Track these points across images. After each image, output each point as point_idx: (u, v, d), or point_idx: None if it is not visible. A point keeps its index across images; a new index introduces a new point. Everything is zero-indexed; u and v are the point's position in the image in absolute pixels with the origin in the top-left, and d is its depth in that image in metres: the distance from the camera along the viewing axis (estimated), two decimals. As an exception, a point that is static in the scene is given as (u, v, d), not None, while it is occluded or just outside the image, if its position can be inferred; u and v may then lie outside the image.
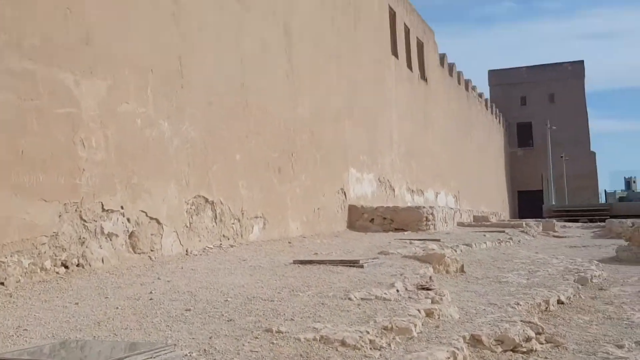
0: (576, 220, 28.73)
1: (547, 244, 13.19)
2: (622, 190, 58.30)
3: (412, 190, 19.20)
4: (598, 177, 44.27)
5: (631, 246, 10.17)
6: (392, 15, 18.39)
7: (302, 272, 6.45)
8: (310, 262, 7.11)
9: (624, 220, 19.85)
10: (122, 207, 6.72)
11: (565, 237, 15.53)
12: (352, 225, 13.47)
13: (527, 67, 46.05)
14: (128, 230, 6.81)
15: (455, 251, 9.76)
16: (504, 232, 14.09)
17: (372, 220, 13.63)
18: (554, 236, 15.59)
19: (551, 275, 7.86)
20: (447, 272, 7.83)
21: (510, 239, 12.25)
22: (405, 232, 12.80)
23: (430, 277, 6.56)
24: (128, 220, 6.81)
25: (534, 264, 8.94)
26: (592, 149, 44.48)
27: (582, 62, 45.22)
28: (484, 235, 12.49)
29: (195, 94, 8.27)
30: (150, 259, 7.07)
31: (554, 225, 19.54)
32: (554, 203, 35.56)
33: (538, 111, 45.00)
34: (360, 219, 13.65)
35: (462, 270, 7.98)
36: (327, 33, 13.23)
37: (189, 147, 8.04)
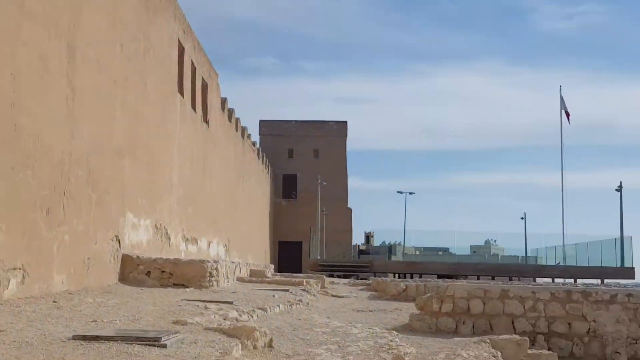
0: (340, 276, 29.49)
1: (333, 306, 12.73)
2: (362, 244, 62.01)
3: (187, 239, 17.87)
4: (353, 232, 46.45)
5: (424, 315, 9.98)
6: (181, 51, 17.22)
7: (89, 356, 4.96)
8: (96, 338, 5.58)
9: (395, 279, 20.52)
10: None
11: (344, 297, 15.31)
12: (125, 278, 11.80)
13: (296, 121, 47.38)
14: None
15: (252, 317, 8.75)
16: (288, 290, 13.40)
17: (148, 273, 12.08)
18: (333, 295, 15.29)
19: (364, 351, 7.17)
20: (255, 347, 6.76)
21: (300, 300, 11.55)
22: (188, 289, 11.48)
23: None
24: None
25: (338, 335, 8.23)
26: (349, 205, 46.73)
27: (345, 122, 47.71)
28: (273, 296, 11.64)
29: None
30: None
31: (324, 281, 19.44)
32: (318, 257, 36.27)
33: (303, 165, 46.29)
34: (135, 271, 12.03)
35: (270, 345, 6.98)
36: (114, 58, 11.67)
37: None
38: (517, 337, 8.80)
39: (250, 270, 17.58)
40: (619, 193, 32.14)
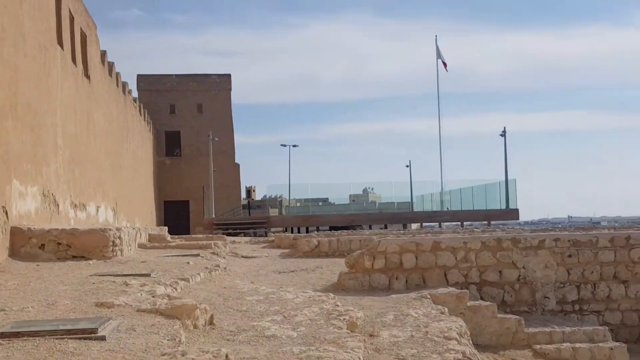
0: (237, 234, 28.77)
1: (250, 268, 12.04)
2: (244, 199, 61.54)
3: (76, 205, 16.42)
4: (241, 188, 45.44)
5: (356, 273, 9.53)
6: (58, -3, 15.45)
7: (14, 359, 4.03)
8: (18, 334, 4.61)
9: (289, 234, 20.05)
10: None
11: (255, 257, 14.64)
12: (16, 253, 10.49)
13: (177, 76, 45.25)
14: None
15: (176, 289, 7.92)
16: (199, 255, 12.54)
17: (42, 246, 10.82)
18: (243, 257, 14.58)
19: (313, 320, 6.58)
20: (196, 326, 6.00)
21: (217, 266, 10.75)
22: (91, 262, 10.36)
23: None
24: None
25: (274, 303, 7.58)
26: (236, 160, 45.64)
27: (229, 75, 46.14)
28: (188, 263, 10.77)
29: None
30: None
31: (225, 240, 18.66)
32: (213, 216, 35.12)
33: (187, 120, 44.50)
34: (27, 244, 10.73)
35: (211, 322, 6.23)
36: (-13, 3, 10.09)
37: None
38: (456, 290, 8.55)
39: (149, 235, 16.46)
40: (503, 138, 33.39)
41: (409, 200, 45.83)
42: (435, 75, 43.56)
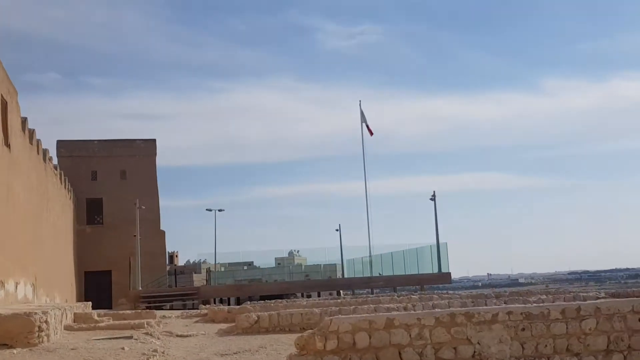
0: (164, 307, 27.58)
1: (189, 351, 11.29)
2: (167, 265, 60.05)
3: (-7, 283, 15.26)
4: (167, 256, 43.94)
5: (307, 356, 9.02)
6: (-21, 64, 14.69)
7: None
8: None
9: (223, 306, 19.04)
10: None
11: (191, 336, 13.85)
12: None
13: (99, 141, 44.04)
14: None
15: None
16: (132, 337, 11.72)
17: (-42, 334, 9.82)
18: (178, 336, 13.76)
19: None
20: None
21: (155, 351, 10.01)
22: (15, 350, 9.45)
23: None
24: None
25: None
26: (162, 227, 44.33)
27: (154, 140, 45.24)
28: (123, 349, 9.99)
29: None
30: None
31: (155, 316, 17.71)
32: (140, 288, 33.56)
33: (109, 187, 43.13)
34: (-59, 333, 9.72)
35: None
36: None
37: None
38: (415, 371, 8.16)
39: (74, 314, 15.39)
40: (433, 202, 33.75)
41: (335, 263, 45.57)
42: (360, 138, 44.08)
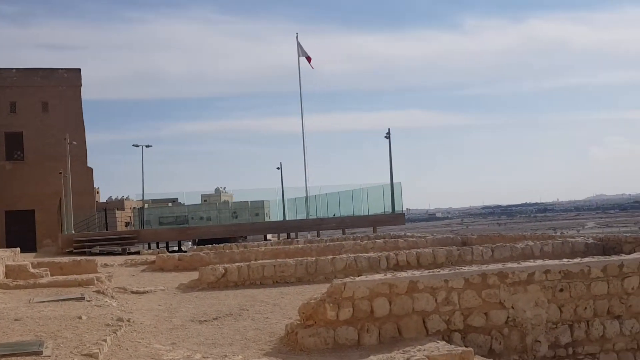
0: (102, 252, 25.43)
1: (155, 315, 9.49)
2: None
3: None
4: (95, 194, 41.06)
5: (318, 328, 7.42)
6: None
7: None
8: None
9: (166, 252, 17.21)
10: None
11: (149, 292, 12.02)
12: None
13: (18, 70, 40.01)
14: None
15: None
16: (84, 298, 9.82)
17: None
18: (134, 292, 11.90)
19: None
20: None
21: (120, 320, 8.19)
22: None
23: None
24: None
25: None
26: (89, 164, 41.33)
27: (78, 70, 41.46)
28: (80, 318, 8.10)
29: None
30: None
31: (96, 265, 15.70)
32: (73, 232, 30.93)
33: (30, 120, 39.55)
34: None
35: None
36: None
37: None
38: (457, 348, 6.70)
39: (6, 266, 13.18)
40: (388, 140, 32.30)
41: (262, 200, 43.85)
42: (297, 72, 41.70)
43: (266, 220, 40.82)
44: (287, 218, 38.98)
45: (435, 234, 22.65)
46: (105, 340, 6.90)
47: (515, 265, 8.22)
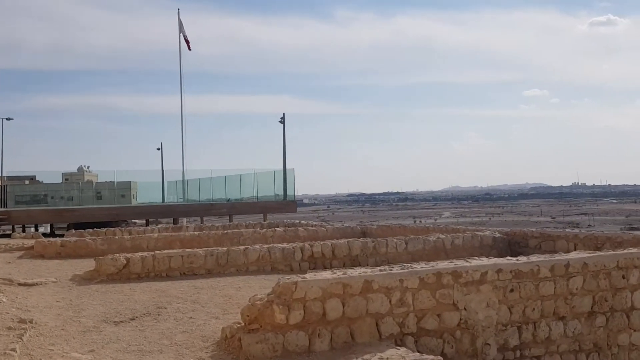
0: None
1: (60, 314, 8.19)
2: None
3: None
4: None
5: (266, 333, 6.56)
6: None
7: None
8: None
9: (42, 236, 15.46)
10: None
11: (38, 284, 10.56)
12: None
13: None
14: None
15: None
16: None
17: None
18: (21, 284, 10.41)
19: None
20: None
21: (23, 321, 6.92)
22: None
23: None
24: None
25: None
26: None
27: None
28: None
29: None
30: None
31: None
32: None
33: None
34: None
35: None
36: None
37: None
38: (428, 357, 6.12)
39: None
40: (282, 125, 31.30)
41: (129, 181, 41.92)
42: (177, 51, 39.83)
43: (133, 202, 38.89)
44: (166, 201, 37.34)
45: (333, 223, 22.22)
46: (14, 350, 5.69)
47: (467, 264, 7.76)
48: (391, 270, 7.30)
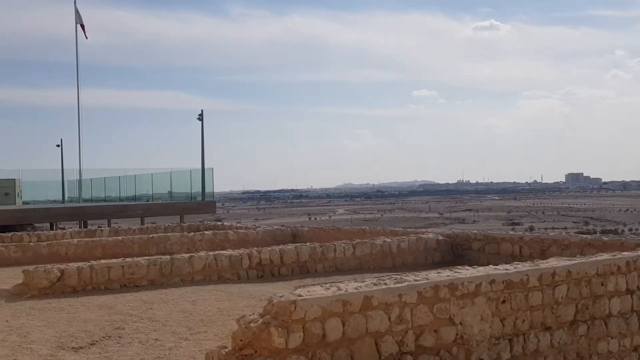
0: None
1: (5, 336, 7.07)
2: None
3: None
4: None
5: (261, 359, 5.83)
6: None
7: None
8: None
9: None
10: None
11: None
12: None
13: None
14: None
15: None
16: None
17: None
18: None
19: None
20: None
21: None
22: None
23: None
24: None
25: None
26: None
27: None
28: None
29: None
30: None
31: None
32: None
33: None
34: None
35: None
36: None
37: None
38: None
39: None
40: (201, 122, 29.88)
41: (13, 178, 39.41)
42: (73, 42, 37.76)
43: (18, 201, 36.48)
44: (65, 200, 35.21)
45: (263, 226, 21.46)
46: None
47: (462, 275, 7.34)
48: (388, 285, 6.75)
